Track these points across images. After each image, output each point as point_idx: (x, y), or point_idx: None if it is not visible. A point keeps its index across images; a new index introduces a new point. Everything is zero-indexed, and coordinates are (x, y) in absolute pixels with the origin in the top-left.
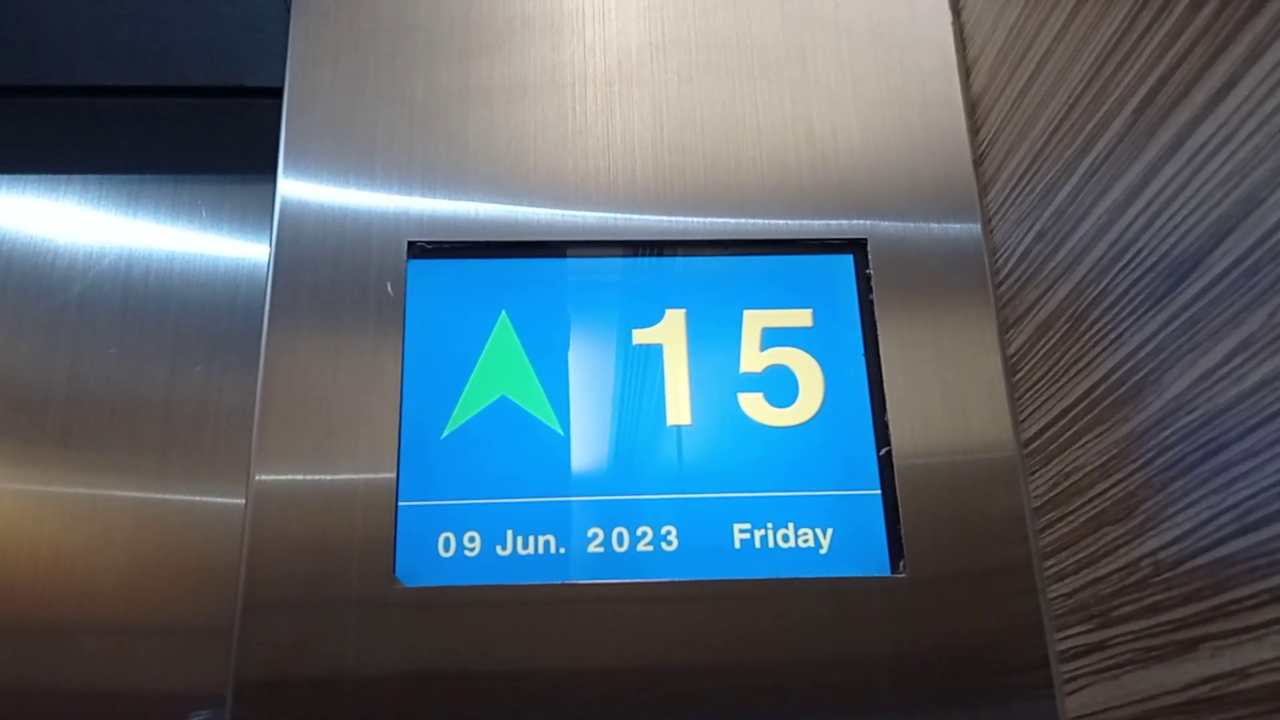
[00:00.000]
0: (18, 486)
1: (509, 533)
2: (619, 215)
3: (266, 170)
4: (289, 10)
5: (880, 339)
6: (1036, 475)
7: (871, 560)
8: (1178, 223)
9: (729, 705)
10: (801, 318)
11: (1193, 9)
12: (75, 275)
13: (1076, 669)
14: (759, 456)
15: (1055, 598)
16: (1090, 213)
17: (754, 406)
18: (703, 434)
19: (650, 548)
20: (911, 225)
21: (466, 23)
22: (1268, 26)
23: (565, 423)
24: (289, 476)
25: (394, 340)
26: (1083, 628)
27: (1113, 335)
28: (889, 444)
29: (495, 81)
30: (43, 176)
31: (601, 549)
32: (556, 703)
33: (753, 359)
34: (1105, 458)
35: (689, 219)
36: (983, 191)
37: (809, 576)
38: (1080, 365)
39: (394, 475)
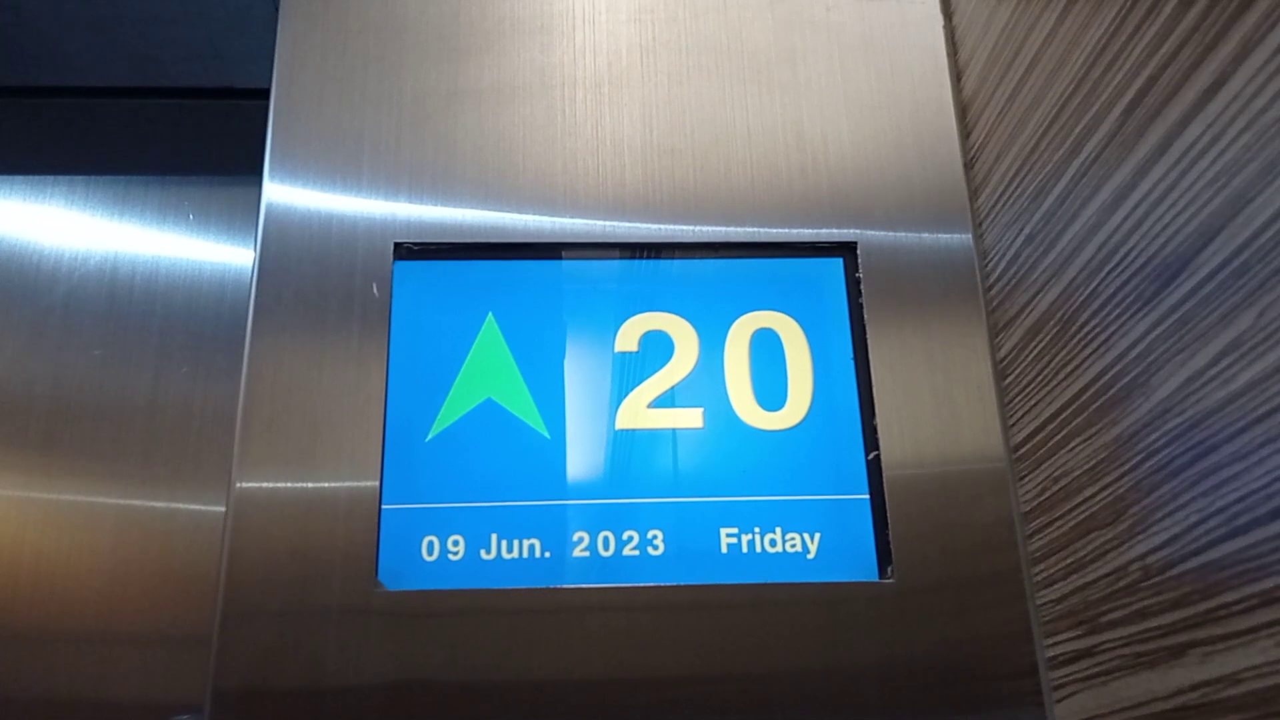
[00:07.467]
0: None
1: (493, 536)
2: (608, 218)
3: (254, 172)
4: (277, 11)
5: (869, 343)
6: (1026, 480)
7: (859, 565)
8: (1166, 223)
9: (715, 711)
10: (790, 321)
11: (1182, 8)
12: (61, 277)
13: (1066, 675)
14: (747, 460)
15: (1044, 603)
16: (1079, 215)
17: (743, 410)
18: (691, 437)
19: (636, 552)
20: (902, 229)
21: (455, 24)
22: (1256, 24)
23: (551, 426)
24: (271, 482)
25: (379, 342)
26: (1072, 634)
27: (1102, 338)
28: (878, 448)
29: (484, 83)
30: (29, 177)
31: (587, 553)
32: (539, 711)
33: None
34: (1094, 461)
35: (678, 222)
36: (973, 195)
37: (796, 581)
38: (1069, 369)
39: (378, 478)
